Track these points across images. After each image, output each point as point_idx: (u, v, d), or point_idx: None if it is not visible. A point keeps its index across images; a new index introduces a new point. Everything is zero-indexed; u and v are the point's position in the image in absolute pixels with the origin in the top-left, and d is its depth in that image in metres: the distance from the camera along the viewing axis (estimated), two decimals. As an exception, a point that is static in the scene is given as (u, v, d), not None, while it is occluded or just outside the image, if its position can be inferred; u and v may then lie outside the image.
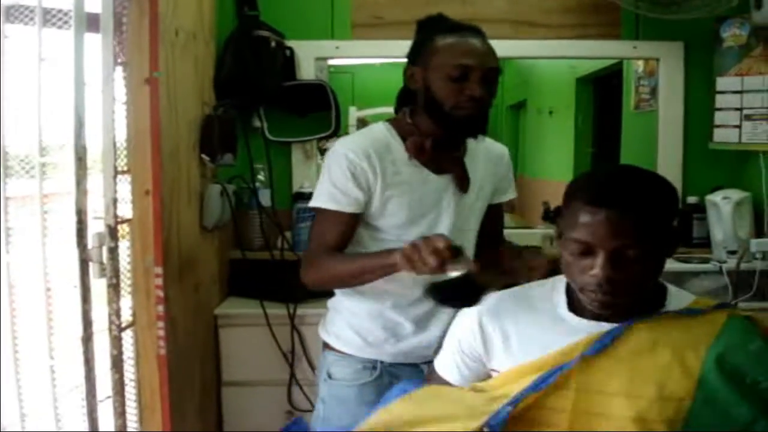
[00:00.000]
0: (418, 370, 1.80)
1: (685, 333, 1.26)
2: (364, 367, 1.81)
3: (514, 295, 1.44)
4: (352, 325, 1.82)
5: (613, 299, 1.24)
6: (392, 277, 1.63)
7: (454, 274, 1.40)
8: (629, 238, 1.20)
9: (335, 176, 1.70)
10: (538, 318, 1.37)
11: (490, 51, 1.70)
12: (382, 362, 1.80)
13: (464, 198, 1.79)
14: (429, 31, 1.73)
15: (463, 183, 1.78)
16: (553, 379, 1.24)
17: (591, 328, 1.29)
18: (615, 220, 1.19)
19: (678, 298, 1.35)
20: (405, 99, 1.82)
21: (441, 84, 1.66)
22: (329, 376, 1.83)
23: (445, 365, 1.50)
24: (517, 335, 1.37)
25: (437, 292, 1.46)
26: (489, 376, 1.42)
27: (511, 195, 1.99)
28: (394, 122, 1.79)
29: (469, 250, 1.81)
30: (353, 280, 1.72)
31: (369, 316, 1.79)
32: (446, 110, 1.67)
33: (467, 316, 1.44)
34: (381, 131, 1.76)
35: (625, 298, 1.26)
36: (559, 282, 1.40)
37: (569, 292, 1.36)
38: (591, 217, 1.21)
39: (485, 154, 1.85)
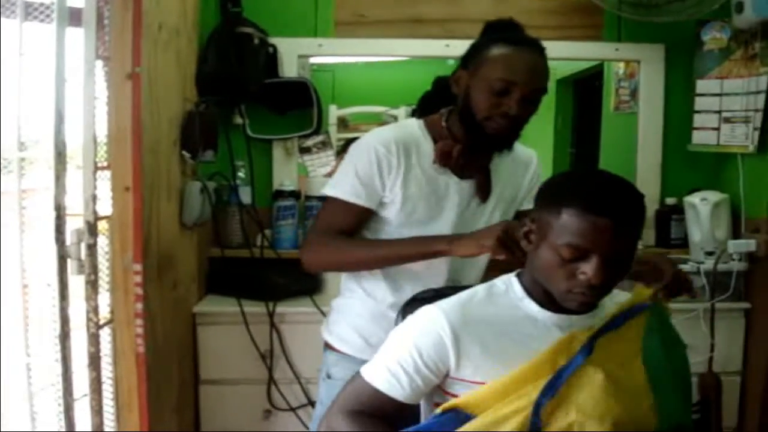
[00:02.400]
0: None
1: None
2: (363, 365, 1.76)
3: (472, 301, 1.41)
4: (355, 326, 1.80)
5: (598, 300, 1.32)
6: (411, 274, 1.73)
7: None
8: (626, 244, 1.27)
9: (362, 168, 1.68)
10: (507, 318, 1.38)
11: (541, 70, 1.66)
12: None
13: (482, 206, 1.77)
14: (488, 38, 1.69)
15: (484, 192, 1.76)
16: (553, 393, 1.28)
17: (561, 322, 1.36)
18: (616, 228, 1.24)
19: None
20: (428, 103, 1.83)
21: (481, 93, 1.63)
22: (329, 377, 1.82)
23: (385, 378, 1.37)
24: (495, 338, 1.36)
25: None
26: (438, 388, 1.40)
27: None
28: (428, 121, 1.76)
29: (482, 260, 1.81)
30: (377, 264, 1.74)
31: (372, 318, 1.77)
32: (478, 120, 1.64)
33: (432, 327, 1.35)
34: (414, 128, 1.74)
35: (602, 298, 1.34)
36: (509, 280, 1.43)
37: (526, 289, 1.40)
38: (591, 224, 1.24)
39: (511, 159, 1.81)
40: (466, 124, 1.67)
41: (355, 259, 1.74)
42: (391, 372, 1.36)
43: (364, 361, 1.60)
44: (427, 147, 1.71)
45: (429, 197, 1.72)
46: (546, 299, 1.36)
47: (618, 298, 1.43)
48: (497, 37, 1.67)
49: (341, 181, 1.71)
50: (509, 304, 1.40)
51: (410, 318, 1.42)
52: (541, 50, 1.67)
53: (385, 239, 1.74)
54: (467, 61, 1.70)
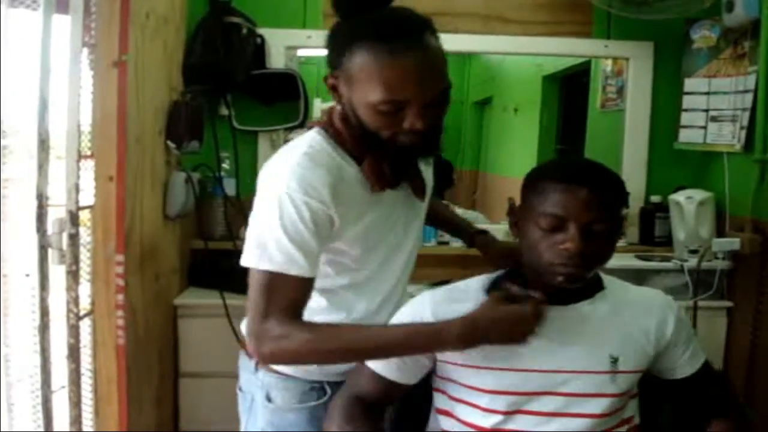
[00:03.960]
0: None
1: None
2: (311, 388, 1.51)
3: (460, 288, 1.46)
4: None
5: (581, 272, 1.32)
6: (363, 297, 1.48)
7: None
8: (599, 213, 1.30)
9: (293, 231, 1.30)
10: None
11: (435, 68, 1.31)
12: (329, 382, 1.51)
13: (421, 204, 1.55)
14: (348, 31, 1.32)
15: (422, 191, 1.52)
16: None
17: (559, 313, 1.36)
18: (588, 196, 1.29)
19: (614, 283, 1.46)
20: None
21: (369, 116, 1.31)
22: (269, 400, 1.52)
23: (389, 366, 1.39)
24: None
25: None
26: (427, 369, 1.42)
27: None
28: (333, 134, 1.41)
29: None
30: (370, 356, 1.38)
31: None
32: (383, 138, 1.32)
33: (417, 310, 1.41)
34: (324, 152, 1.38)
35: (588, 273, 1.34)
36: (495, 276, 1.47)
37: (513, 281, 1.41)
38: (565, 193, 1.30)
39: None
40: (370, 141, 1.35)
41: (341, 350, 1.34)
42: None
43: (310, 382, 1.50)
44: (347, 167, 1.39)
45: (379, 225, 1.44)
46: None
47: (628, 293, 1.46)
48: (360, 31, 1.29)
49: (270, 248, 1.30)
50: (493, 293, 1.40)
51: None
52: (423, 37, 1.29)
53: (375, 328, 1.40)
54: (333, 64, 1.35)
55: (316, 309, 1.44)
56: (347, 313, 1.48)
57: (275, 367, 1.50)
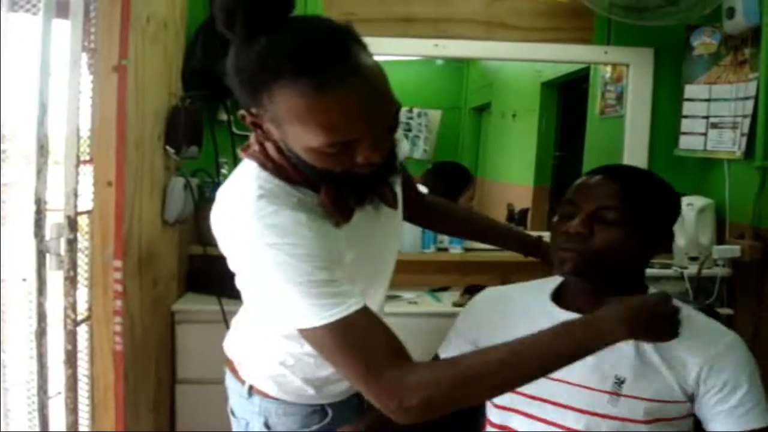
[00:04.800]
0: (355, 402, 1.50)
1: None
2: (313, 411, 1.44)
3: (512, 288, 1.55)
4: (318, 378, 1.41)
5: (582, 260, 1.31)
6: None
7: None
8: (610, 200, 1.30)
9: (307, 278, 1.11)
10: (528, 307, 1.44)
11: (378, 92, 1.09)
12: (330, 404, 1.45)
13: (394, 212, 1.39)
14: (259, 66, 1.05)
15: (394, 202, 1.36)
16: None
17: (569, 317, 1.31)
18: (599, 182, 1.33)
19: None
20: None
21: (312, 158, 1.12)
22: (267, 427, 1.44)
23: (447, 350, 1.52)
24: (515, 330, 1.32)
25: None
26: None
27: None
28: (269, 166, 1.21)
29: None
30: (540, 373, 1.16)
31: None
32: (334, 173, 1.15)
33: (474, 301, 1.56)
34: (278, 189, 1.20)
35: (595, 264, 1.31)
36: (554, 278, 1.48)
37: (560, 286, 1.45)
38: (581, 181, 1.37)
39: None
40: (320, 173, 1.16)
41: (512, 378, 1.14)
42: (450, 341, 1.54)
43: (312, 406, 1.43)
44: (310, 202, 1.22)
45: (363, 247, 1.30)
46: (565, 295, 1.42)
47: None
48: (273, 66, 1.03)
49: (303, 304, 1.11)
50: (540, 296, 1.45)
51: None
52: (358, 49, 1.07)
53: (514, 341, 1.15)
54: (249, 103, 1.13)
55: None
56: None
57: (272, 393, 1.42)
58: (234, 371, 1.50)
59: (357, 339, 1.11)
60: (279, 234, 1.12)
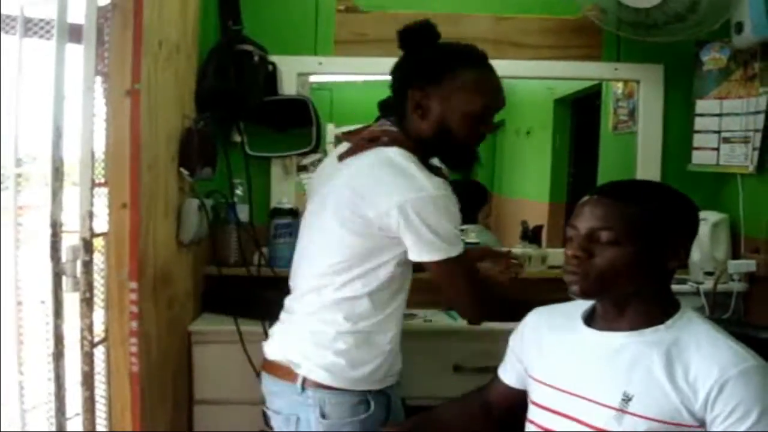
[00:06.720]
0: (384, 399, 1.75)
1: None
2: (360, 401, 1.68)
3: (558, 308, 1.55)
4: (351, 359, 1.68)
5: (584, 282, 1.32)
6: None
7: None
8: (600, 221, 1.31)
9: (453, 219, 1.61)
10: (563, 330, 1.46)
11: None
12: (371, 392, 1.70)
13: None
14: (451, 59, 1.67)
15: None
16: None
17: (598, 338, 1.38)
18: (592, 204, 1.34)
19: (690, 323, 1.35)
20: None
21: (464, 123, 1.66)
22: (323, 417, 1.66)
23: (504, 368, 1.62)
24: (546, 346, 1.48)
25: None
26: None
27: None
28: (409, 149, 1.65)
29: None
30: None
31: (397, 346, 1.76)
32: (462, 144, 1.70)
33: (523, 322, 1.59)
34: (415, 163, 1.62)
35: (596, 285, 1.32)
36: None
37: (593, 305, 1.46)
38: (580, 202, 1.38)
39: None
40: (444, 148, 1.72)
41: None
42: (506, 361, 1.62)
43: (359, 393, 1.69)
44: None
45: None
46: (595, 314, 1.44)
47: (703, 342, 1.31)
48: (456, 58, 1.68)
49: (449, 241, 1.60)
50: (575, 316, 1.47)
51: None
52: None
53: None
54: (426, 82, 1.66)
55: (363, 314, 1.67)
56: (383, 312, 1.69)
57: (326, 382, 1.66)
58: (284, 373, 1.71)
59: (469, 268, 1.72)
60: (432, 185, 1.57)
